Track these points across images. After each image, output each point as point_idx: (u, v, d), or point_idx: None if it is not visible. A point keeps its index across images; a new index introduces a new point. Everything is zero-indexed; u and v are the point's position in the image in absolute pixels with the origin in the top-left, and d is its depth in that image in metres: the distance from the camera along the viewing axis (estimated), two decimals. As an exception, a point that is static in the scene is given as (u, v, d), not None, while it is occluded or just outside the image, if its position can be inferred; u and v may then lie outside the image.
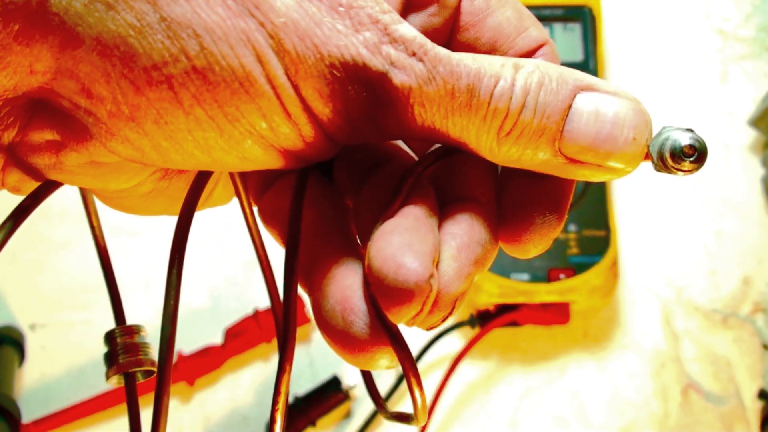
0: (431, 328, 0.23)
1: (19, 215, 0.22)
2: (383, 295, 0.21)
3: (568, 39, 0.58)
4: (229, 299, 0.56)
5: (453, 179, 0.25)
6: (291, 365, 0.23)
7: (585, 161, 0.22)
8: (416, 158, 0.26)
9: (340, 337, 0.22)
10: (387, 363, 0.22)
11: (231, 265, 0.57)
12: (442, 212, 0.24)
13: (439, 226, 0.23)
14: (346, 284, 0.22)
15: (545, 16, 0.58)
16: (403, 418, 0.24)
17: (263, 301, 0.55)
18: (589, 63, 0.57)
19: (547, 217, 0.24)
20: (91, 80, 0.20)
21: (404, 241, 0.21)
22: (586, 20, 0.58)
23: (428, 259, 0.21)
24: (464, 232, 0.23)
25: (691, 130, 0.21)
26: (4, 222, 0.22)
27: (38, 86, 0.20)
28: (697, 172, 0.21)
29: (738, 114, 0.61)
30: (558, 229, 0.24)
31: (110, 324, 0.26)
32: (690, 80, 0.63)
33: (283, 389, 0.22)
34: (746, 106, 0.61)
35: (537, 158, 0.22)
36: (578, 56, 0.57)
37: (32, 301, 0.56)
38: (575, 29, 0.58)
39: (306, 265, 0.24)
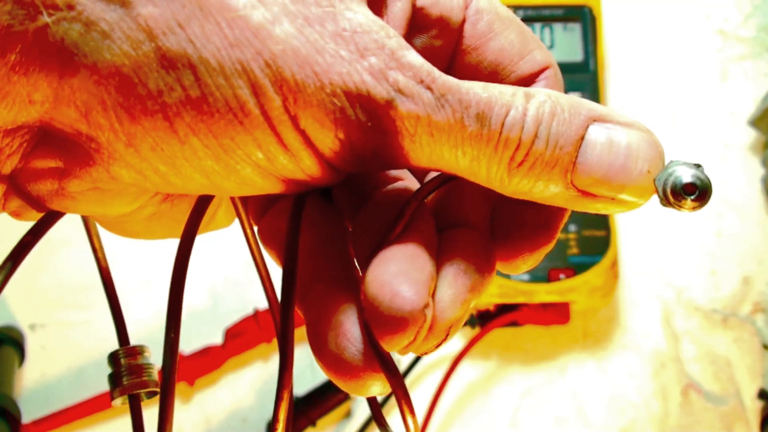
0: (424, 354, 0.23)
1: (18, 254, 0.22)
2: (377, 322, 0.21)
3: (568, 39, 0.58)
4: (229, 299, 0.56)
5: (450, 205, 0.24)
6: (291, 391, 0.22)
7: (598, 194, 0.21)
8: (416, 181, 0.26)
9: (333, 362, 0.22)
10: (378, 389, 0.22)
11: (231, 265, 0.57)
12: (440, 238, 0.24)
13: (437, 252, 0.23)
14: (340, 309, 0.22)
15: (545, 16, 0.58)
16: None
17: (263, 301, 0.55)
18: (589, 63, 0.57)
19: (538, 238, 0.24)
20: (88, 108, 0.20)
21: (401, 269, 0.21)
22: (586, 20, 0.58)
23: (424, 288, 0.21)
24: (461, 259, 0.23)
25: (698, 166, 0.21)
26: (4, 262, 0.22)
27: (38, 116, 0.20)
28: (701, 209, 0.21)
29: (738, 114, 0.61)
30: (548, 248, 0.24)
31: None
32: (690, 80, 0.63)
33: (281, 417, 0.22)
34: (746, 106, 0.61)
35: (548, 191, 0.21)
36: (578, 56, 0.57)
37: (32, 301, 0.56)
38: (575, 29, 0.58)
39: (302, 286, 0.24)
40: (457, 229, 0.24)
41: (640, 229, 0.58)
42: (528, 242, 0.24)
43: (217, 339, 0.54)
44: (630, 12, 0.64)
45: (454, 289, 0.22)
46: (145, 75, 0.19)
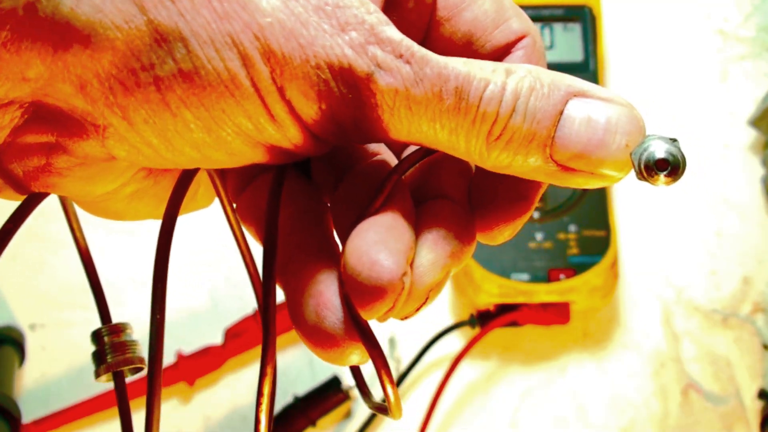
0: (405, 319, 0.24)
1: (0, 242, 0.22)
2: (356, 291, 0.21)
3: (568, 39, 0.58)
4: (229, 299, 0.56)
5: (428, 180, 0.25)
6: (273, 368, 0.22)
7: (577, 168, 0.21)
8: (394, 156, 0.26)
9: (312, 332, 0.22)
10: (358, 359, 0.23)
11: (231, 265, 0.57)
12: (418, 210, 0.24)
13: (416, 223, 0.23)
14: (319, 279, 0.23)
15: (545, 16, 0.58)
16: (384, 409, 0.24)
17: (263, 301, 0.55)
18: (589, 63, 0.57)
19: (515, 209, 0.24)
20: (83, 82, 0.20)
21: (380, 238, 0.21)
22: (586, 20, 0.58)
23: (402, 258, 0.21)
24: (440, 227, 0.23)
25: (673, 140, 0.21)
26: None
27: (31, 92, 0.20)
28: (674, 184, 0.21)
29: (738, 114, 0.61)
30: (525, 219, 0.24)
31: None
32: (690, 80, 0.63)
33: (266, 391, 0.22)
34: (746, 106, 0.61)
35: (528, 165, 0.21)
36: (578, 56, 0.57)
37: (32, 301, 0.56)
38: (575, 29, 0.58)
39: (282, 261, 0.24)
40: (435, 201, 0.24)
41: (640, 229, 0.58)
42: (505, 213, 0.24)
43: (217, 339, 0.54)
44: (630, 12, 0.64)
45: (433, 254, 0.23)
46: (138, 48, 0.19)
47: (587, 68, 0.57)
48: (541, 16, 0.58)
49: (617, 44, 0.63)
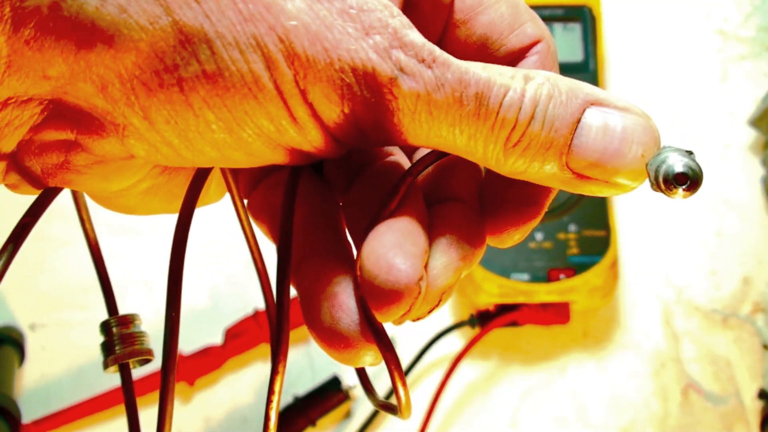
0: (417, 320, 0.24)
1: (19, 235, 0.22)
2: (373, 294, 0.21)
3: (568, 39, 0.58)
4: (229, 299, 0.56)
5: (440, 182, 0.25)
6: (285, 366, 0.23)
7: (592, 177, 0.21)
8: (406, 157, 0.27)
9: (327, 334, 0.22)
10: (371, 360, 0.23)
11: (231, 265, 0.57)
12: (430, 212, 0.24)
13: (429, 225, 0.24)
14: (334, 281, 0.23)
15: (545, 16, 0.58)
16: (390, 408, 0.24)
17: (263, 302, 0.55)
18: (589, 63, 0.57)
19: (524, 214, 0.24)
20: (105, 82, 0.20)
21: (396, 242, 0.21)
22: (586, 20, 0.58)
23: (419, 261, 0.21)
24: (453, 230, 0.23)
25: (690, 153, 0.21)
26: (5, 245, 0.22)
27: (51, 89, 0.20)
28: (692, 197, 0.21)
29: (738, 114, 0.61)
30: (535, 223, 0.25)
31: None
32: (690, 80, 0.63)
33: (276, 389, 0.22)
34: (746, 106, 0.61)
35: (544, 172, 0.22)
36: (578, 56, 0.57)
37: (32, 301, 0.56)
38: (575, 29, 0.58)
39: (295, 260, 0.24)
40: (447, 204, 0.24)
41: (640, 229, 0.58)
42: (515, 217, 0.24)
43: (217, 339, 0.54)
44: (630, 12, 0.64)
45: (446, 258, 0.23)
46: (162, 49, 0.19)
47: (587, 68, 0.57)
48: (541, 16, 0.57)
49: (617, 44, 0.63)
